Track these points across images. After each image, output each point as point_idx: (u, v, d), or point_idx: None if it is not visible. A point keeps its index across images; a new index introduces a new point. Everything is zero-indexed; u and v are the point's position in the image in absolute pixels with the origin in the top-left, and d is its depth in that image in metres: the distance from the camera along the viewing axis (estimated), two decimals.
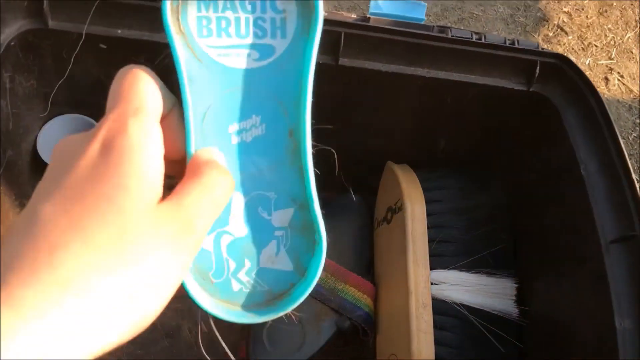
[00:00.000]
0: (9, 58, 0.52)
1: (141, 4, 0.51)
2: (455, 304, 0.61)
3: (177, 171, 0.33)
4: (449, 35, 0.56)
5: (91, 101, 0.59)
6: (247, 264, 0.33)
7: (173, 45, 0.30)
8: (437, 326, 0.59)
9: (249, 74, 0.31)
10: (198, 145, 0.31)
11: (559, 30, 0.98)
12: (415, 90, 0.60)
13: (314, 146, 0.32)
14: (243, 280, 0.33)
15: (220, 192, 0.29)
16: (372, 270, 0.70)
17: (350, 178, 0.73)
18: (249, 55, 0.31)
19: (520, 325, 0.63)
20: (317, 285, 0.65)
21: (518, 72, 0.58)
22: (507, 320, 0.63)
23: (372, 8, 0.93)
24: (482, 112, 0.63)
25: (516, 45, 0.57)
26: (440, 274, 0.62)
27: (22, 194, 0.59)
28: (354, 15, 0.59)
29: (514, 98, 0.60)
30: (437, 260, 0.63)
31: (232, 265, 0.33)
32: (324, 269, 0.65)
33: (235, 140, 0.32)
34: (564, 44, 0.94)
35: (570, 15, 0.99)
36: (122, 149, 0.26)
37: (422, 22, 0.73)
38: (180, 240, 0.26)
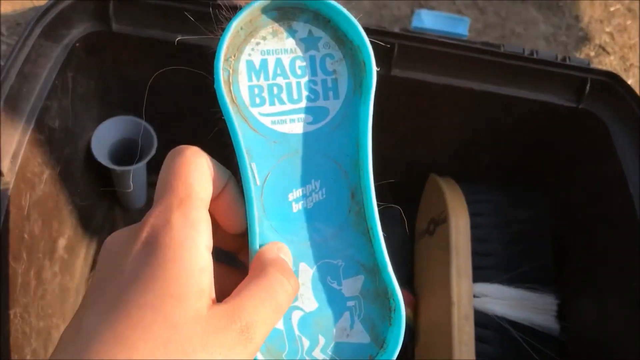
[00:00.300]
0: (73, 59, 0.53)
1: (201, 10, 0.52)
2: (497, 317, 0.61)
3: (238, 246, 0.32)
4: (501, 50, 0.57)
5: (145, 104, 0.61)
6: (322, 340, 0.31)
7: (229, 117, 0.30)
8: (478, 339, 0.59)
9: (304, 138, 0.31)
10: (260, 218, 0.30)
11: (600, 50, 0.98)
12: (464, 103, 0.60)
13: (378, 204, 0.31)
14: (319, 358, 0.31)
15: (283, 297, 0.27)
16: (412, 281, 0.71)
17: (392, 189, 0.73)
18: (303, 119, 0.31)
19: (561, 341, 0.63)
20: None
21: (568, 88, 0.59)
22: (548, 335, 0.62)
23: (415, 22, 0.94)
24: (529, 128, 0.63)
25: (567, 62, 0.58)
26: (483, 287, 0.62)
27: (75, 192, 0.60)
28: (396, 30, 0.60)
29: (562, 114, 0.60)
30: (479, 273, 0.63)
31: (306, 343, 0.31)
32: None
33: (296, 208, 0.31)
34: (606, 64, 0.94)
35: (613, 35, 0.99)
36: (165, 250, 0.25)
37: (465, 38, 0.74)
38: (236, 351, 0.24)
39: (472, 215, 0.64)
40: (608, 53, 0.97)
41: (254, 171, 0.30)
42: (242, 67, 0.30)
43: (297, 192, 0.31)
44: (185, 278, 0.24)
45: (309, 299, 0.31)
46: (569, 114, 0.60)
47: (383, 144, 0.69)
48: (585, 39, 0.98)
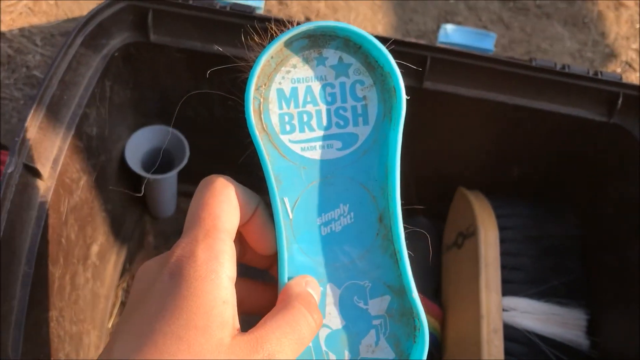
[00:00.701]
0: (111, 68, 0.54)
1: (239, 23, 0.53)
2: (526, 331, 0.61)
3: (269, 264, 0.34)
4: (533, 64, 0.57)
5: (179, 114, 0.62)
6: (347, 355, 0.32)
7: (259, 145, 0.30)
8: (506, 352, 0.59)
9: (333, 164, 0.32)
10: (289, 241, 0.31)
11: (627, 66, 0.98)
12: (494, 117, 0.61)
13: (405, 228, 0.31)
14: None
15: (306, 331, 0.28)
16: (439, 294, 0.70)
17: (420, 201, 0.73)
18: (332, 145, 0.31)
19: (590, 357, 0.62)
20: None
21: (600, 103, 0.59)
22: (577, 350, 0.62)
23: (441, 37, 0.95)
24: (560, 142, 0.63)
25: (599, 77, 0.58)
26: (512, 301, 0.62)
27: (109, 199, 0.61)
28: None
29: (593, 129, 0.60)
30: (508, 287, 0.63)
31: (332, 358, 0.32)
32: None
33: (325, 231, 0.32)
34: (632, 81, 0.94)
35: (639, 52, 0.99)
36: (190, 282, 0.26)
37: (491, 53, 0.74)
38: None
39: (501, 229, 0.64)
40: (634, 69, 0.97)
41: (284, 196, 0.31)
42: (273, 95, 0.31)
43: (326, 216, 0.32)
44: (208, 310, 0.25)
45: (336, 317, 0.32)
46: (600, 128, 0.60)
47: (412, 157, 0.69)
48: (611, 55, 0.98)
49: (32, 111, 0.46)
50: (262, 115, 0.30)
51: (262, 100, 0.30)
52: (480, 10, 1.00)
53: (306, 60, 0.31)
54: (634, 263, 0.58)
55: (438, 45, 0.58)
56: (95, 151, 0.55)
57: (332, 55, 0.31)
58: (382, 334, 0.32)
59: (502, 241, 0.63)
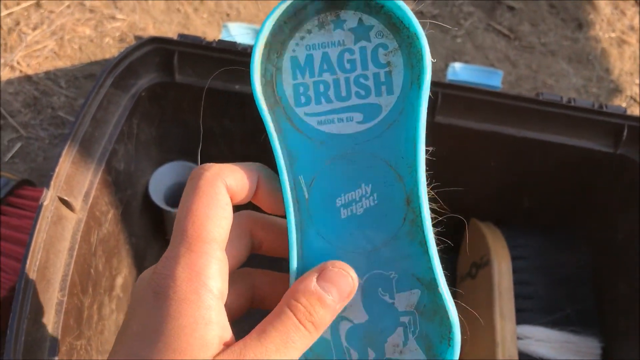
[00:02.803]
0: (139, 107, 0.57)
1: None
2: (541, 359, 0.62)
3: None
4: (540, 98, 0.60)
5: (201, 149, 0.64)
6: (371, 354, 0.29)
7: (266, 120, 0.28)
8: None
9: (353, 139, 0.29)
10: (306, 224, 0.29)
11: (632, 101, 1.00)
12: (504, 149, 0.63)
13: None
14: None
15: (300, 342, 0.26)
16: None
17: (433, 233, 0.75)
18: (352, 118, 0.28)
19: None
20: None
21: (605, 135, 0.61)
22: None
23: (450, 75, 0.98)
24: (568, 173, 0.65)
25: (604, 109, 0.60)
26: (526, 329, 0.63)
27: (134, 232, 0.63)
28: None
29: (600, 160, 0.62)
30: (521, 316, 0.64)
31: (354, 355, 0.29)
32: None
33: (345, 214, 0.29)
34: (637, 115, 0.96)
35: None
36: (169, 303, 0.25)
37: (498, 90, 0.76)
38: None
39: (514, 258, 0.65)
40: (639, 104, 0.99)
41: (298, 174, 0.28)
42: (286, 64, 0.28)
43: (346, 197, 0.29)
44: (188, 332, 0.24)
45: (359, 310, 0.29)
46: (606, 159, 0.62)
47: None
48: (616, 90, 1.01)
49: (66, 147, 0.49)
50: (275, 87, 0.28)
51: (274, 70, 0.28)
52: (486, 49, 1.03)
53: (322, 25, 0.28)
54: None
55: (448, 81, 0.61)
56: (122, 185, 0.58)
57: (351, 17, 0.28)
58: (410, 333, 0.29)
59: (515, 271, 0.65)
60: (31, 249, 0.44)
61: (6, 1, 0.91)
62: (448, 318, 0.28)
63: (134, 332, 0.25)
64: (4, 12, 0.90)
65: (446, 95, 0.59)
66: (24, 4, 0.91)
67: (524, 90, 0.99)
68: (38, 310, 0.44)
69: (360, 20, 0.28)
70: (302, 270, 0.28)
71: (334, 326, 0.29)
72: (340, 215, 0.29)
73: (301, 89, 0.28)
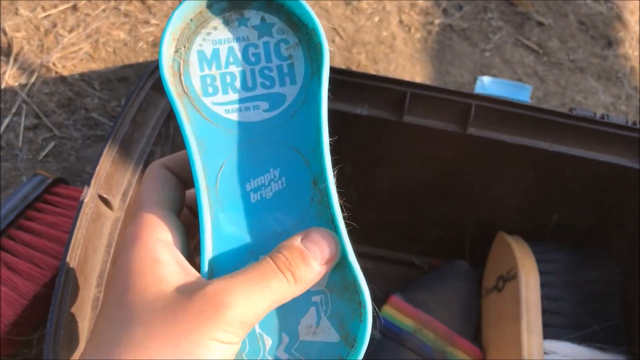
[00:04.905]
0: None
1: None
2: None
3: None
4: (574, 113, 0.60)
5: None
6: (285, 338, 0.29)
7: (176, 108, 0.29)
8: None
9: (260, 126, 0.30)
10: (215, 210, 0.30)
11: None
12: (535, 163, 0.63)
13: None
14: (282, 358, 0.29)
15: (280, 289, 0.27)
16: (480, 336, 0.71)
17: (460, 245, 0.75)
18: (258, 107, 0.30)
19: None
20: (426, 345, 0.66)
21: (637, 151, 0.61)
22: None
23: (478, 88, 0.98)
24: (599, 189, 0.65)
25: (637, 126, 0.60)
26: (552, 344, 0.63)
27: None
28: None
29: (631, 177, 0.62)
30: (548, 331, 0.63)
31: (268, 341, 0.29)
32: (434, 330, 0.67)
33: (254, 198, 0.30)
34: None
35: None
36: (120, 255, 0.28)
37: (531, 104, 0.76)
38: (200, 323, 0.26)
39: (541, 273, 0.65)
40: None
41: (207, 161, 0.30)
42: (194, 57, 0.30)
43: (255, 182, 0.30)
44: (139, 272, 0.27)
45: None
46: (637, 176, 0.61)
47: (453, 201, 0.72)
48: None
49: (107, 146, 0.50)
50: (182, 78, 0.29)
51: (182, 62, 0.30)
52: (515, 63, 1.03)
53: (227, 22, 0.30)
54: None
55: (482, 94, 0.61)
56: None
57: (254, 15, 0.30)
58: (323, 312, 0.29)
59: (542, 285, 0.64)
60: (71, 244, 0.45)
61: (44, 3, 0.93)
62: (358, 293, 0.29)
63: (108, 285, 0.31)
64: (42, 14, 0.92)
65: (479, 107, 0.59)
66: (61, 7, 0.93)
67: (552, 106, 0.99)
68: (76, 305, 0.45)
69: (262, 18, 0.30)
70: (214, 255, 0.29)
71: None
72: (250, 199, 0.30)
73: (208, 80, 0.30)
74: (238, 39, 0.30)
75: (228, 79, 0.30)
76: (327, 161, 0.29)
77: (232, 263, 0.29)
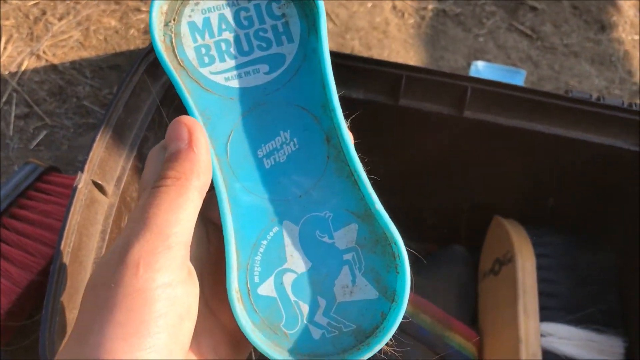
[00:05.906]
0: (168, 96, 0.58)
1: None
2: (564, 357, 0.62)
3: None
4: (569, 95, 0.59)
5: None
6: (322, 302, 0.28)
7: (177, 82, 0.28)
8: None
9: (263, 89, 0.29)
10: (230, 181, 0.28)
11: None
12: (531, 146, 0.63)
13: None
14: (322, 323, 0.28)
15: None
16: (477, 320, 0.71)
17: (456, 230, 0.75)
18: (259, 70, 0.29)
19: None
20: (424, 330, 0.66)
21: (634, 133, 0.61)
22: None
23: (472, 73, 0.97)
24: (595, 172, 0.65)
25: (634, 108, 0.60)
26: (549, 327, 0.63)
27: None
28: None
29: (627, 159, 0.62)
30: (544, 313, 0.64)
31: (305, 308, 0.28)
32: (431, 314, 0.67)
33: (268, 163, 0.29)
34: None
35: None
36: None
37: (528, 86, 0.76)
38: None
39: (537, 256, 0.65)
40: None
41: (214, 132, 0.29)
42: (185, 29, 0.29)
43: (267, 147, 0.29)
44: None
45: (300, 259, 0.28)
46: (634, 158, 0.61)
47: (449, 186, 0.72)
48: (639, 92, 1.01)
49: (100, 132, 0.49)
50: (176, 51, 0.29)
51: (173, 35, 0.29)
52: (509, 48, 1.03)
53: None
54: None
55: (478, 77, 0.61)
56: None
57: None
58: (357, 270, 0.28)
59: (539, 268, 0.64)
60: (65, 230, 0.44)
61: None
62: (390, 245, 0.28)
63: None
64: (31, 2, 0.91)
65: (475, 90, 0.59)
66: None
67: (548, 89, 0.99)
68: (71, 292, 0.44)
69: None
70: (236, 228, 0.28)
71: (278, 281, 0.28)
72: (264, 165, 0.29)
73: (203, 50, 0.29)
74: (228, 5, 0.29)
75: (223, 47, 0.29)
76: (339, 114, 0.28)
77: (254, 233, 0.28)
